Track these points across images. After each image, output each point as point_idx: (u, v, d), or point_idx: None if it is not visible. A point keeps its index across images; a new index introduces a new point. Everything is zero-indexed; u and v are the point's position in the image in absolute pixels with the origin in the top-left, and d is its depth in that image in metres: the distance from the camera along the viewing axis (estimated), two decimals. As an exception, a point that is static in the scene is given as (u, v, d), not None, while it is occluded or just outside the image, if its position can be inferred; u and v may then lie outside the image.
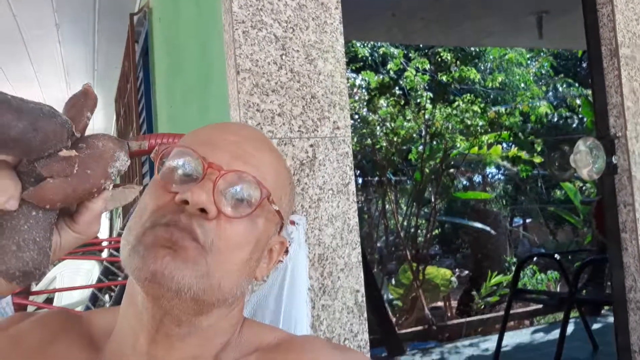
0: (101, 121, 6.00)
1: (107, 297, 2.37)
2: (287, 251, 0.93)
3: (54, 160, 0.52)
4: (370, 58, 7.11)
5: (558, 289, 5.82)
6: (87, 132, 0.58)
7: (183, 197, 0.58)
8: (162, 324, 0.60)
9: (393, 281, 5.64)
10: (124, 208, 3.64)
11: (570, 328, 3.71)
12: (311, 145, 1.26)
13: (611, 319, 3.48)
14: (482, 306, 5.42)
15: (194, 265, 0.57)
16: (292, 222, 0.92)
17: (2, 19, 3.29)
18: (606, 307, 4.49)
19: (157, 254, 0.55)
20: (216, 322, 0.63)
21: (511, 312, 3.99)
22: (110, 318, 0.67)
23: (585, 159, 1.62)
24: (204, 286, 0.57)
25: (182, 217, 0.57)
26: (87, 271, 2.64)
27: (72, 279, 2.51)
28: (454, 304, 5.66)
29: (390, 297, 5.31)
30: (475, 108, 6.13)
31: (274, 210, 0.63)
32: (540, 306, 4.99)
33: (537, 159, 7.10)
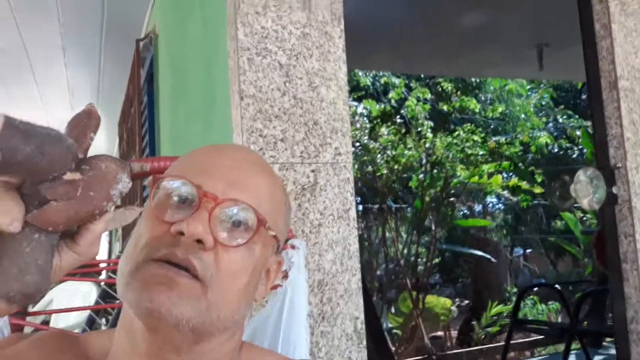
0: (104, 143, 6.03)
1: (103, 320, 2.35)
2: (286, 275, 0.93)
3: (58, 184, 0.52)
4: (372, 87, 7.19)
5: (559, 320, 5.76)
6: (90, 152, 0.58)
7: (179, 228, 0.58)
8: (160, 352, 0.60)
9: (392, 309, 5.58)
10: (123, 230, 3.63)
11: (571, 359, 3.66)
12: (313, 171, 1.27)
13: (613, 351, 3.44)
14: (483, 336, 5.35)
15: (193, 301, 0.57)
16: (293, 247, 0.91)
17: (9, 41, 3.34)
18: (608, 339, 4.43)
19: (152, 291, 0.56)
20: (217, 348, 0.63)
21: (512, 342, 3.94)
22: (107, 340, 0.67)
23: (586, 189, 1.63)
24: (204, 319, 0.58)
25: (177, 252, 0.57)
26: (84, 294, 2.62)
27: (69, 302, 2.49)
28: (454, 333, 5.59)
29: (390, 325, 5.25)
30: (476, 138, 6.17)
31: (270, 235, 0.64)
32: (541, 337, 4.93)
33: (538, 190, 7.11)
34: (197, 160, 0.66)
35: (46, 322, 2.39)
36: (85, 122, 0.57)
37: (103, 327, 2.28)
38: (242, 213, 0.60)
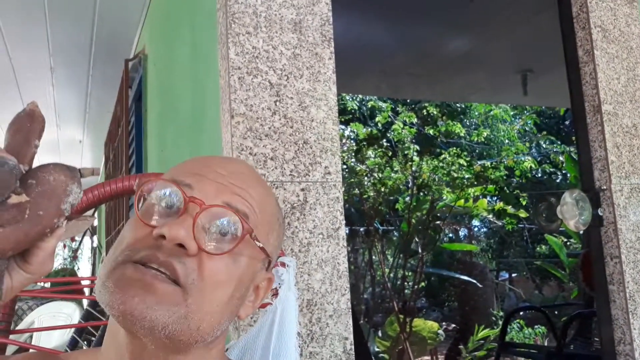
0: (89, 163, 5.99)
1: (85, 344, 2.30)
2: (276, 293, 0.92)
3: (2, 209, 0.48)
4: (358, 111, 7.26)
5: (546, 344, 5.75)
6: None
7: (160, 231, 0.56)
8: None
9: (379, 333, 5.54)
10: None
11: (558, 384, 3.63)
12: (302, 189, 1.27)
13: (599, 376, 3.43)
14: (470, 360, 5.33)
15: (170, 306, 0.55)
16: (283, 264, 0.91)
17: (-3, 60, 3.33)
18: (594, 363, 4.43)
19: (125, 293, 0.54)
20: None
21: (499, 367, 3.92)
22: (91, 357, 0.66)
23: (572, 211, 1.64)
24: (182, 327, 0.55)
25: (159, 254, 0.55)
26: (67, 316, 2.56)
27: (51, 324, 2.43)
28: (441, 357, 5.55)
29: (377, 349, 5.20)
30: (461, 161, 6.24)
31: (258, 247, 0.61)
32: (529, 361, 4.91)
33: (522, 213, 7.18)
34: (189, 167, 0.65)
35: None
36: (28, 127, 0.52)
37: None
38: (228, 220, 0.58)
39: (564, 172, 8.16)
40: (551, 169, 8.38)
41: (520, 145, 7.94)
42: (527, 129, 8.52)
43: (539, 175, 8.40)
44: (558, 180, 8.46)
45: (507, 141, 7.92)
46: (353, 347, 1.25)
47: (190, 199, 0.57)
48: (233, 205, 0.59)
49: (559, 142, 8.55)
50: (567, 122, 8.96)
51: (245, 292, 0.63)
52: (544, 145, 8.61)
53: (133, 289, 0.54)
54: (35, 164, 0.53)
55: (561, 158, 8.08)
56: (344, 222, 1.30)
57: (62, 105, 4.32)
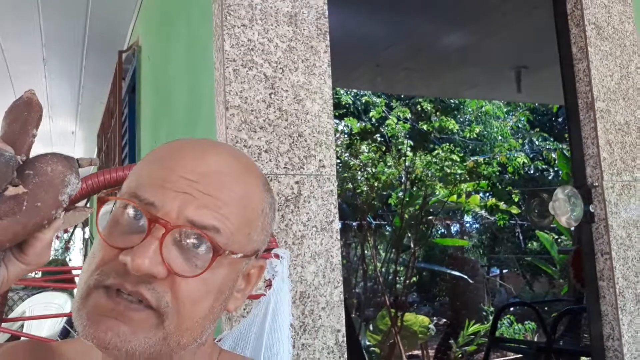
0: (82, 155, 5.96)
1: (77, 334, 2.29)
2: (270, 285, 0.93)
3: (0, 201, 0.48)
4: (352, 105, 7.26)
5: (535, 339, 5.80)
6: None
7: (124, 260, 0.53)
8: None
9: (371, 327, 5.56)
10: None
11: (548, 379, 3.67)
12: (297, 182, 1.27)
13: (588, 371, 3.47)
14: (460, 355, 5.36)
15: (147, 333, 0.54)
16: (277, 256, 0.91)
17: (-11, 51, 3.30)
18: (584, 358, 4.48)
19: (98, 328, 0.52)
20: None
21: (489, 361, 3.96)
22: (81, 348, 0.66)
23: (564, 207, 1.66)
24: (161, 348, 0.54)
25: (127, 283, 0.53)
26: (58, 306, 2.55)
27: (42, 314, 2.43)
28: (432, 352, 5.59)
29: (368, 343, 5.23)
30: (455, 157, 6.26)
31: (236, 258, 0.59)
32: (519, 355, 4.96)
33: (515, 210, 7.22)
34: (155, 169, 0.59)
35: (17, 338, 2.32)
36: (25, 116, 0.51)
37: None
38: (197, 241, 0.55)
39: (556, 169, 8.21)
40: (543, 166, 8.42)
41: (513, 141, 7.97)
42: (520, 125, 8.55)
43: (532, 171, 8.44)
44: (550, 177, 8.50)
45: (500, 138, 7.95)
46: (345, 339, 1.25)
47: (155, 220, 0.54)
48: (199, 222, 0.55)
49: (551, 139, 8.59)
50: (559, 119, 9.00)
51: (230, 293, 0.61)
52: (536, 142, 8.65)
53: (106, 321, 0.53)
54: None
55: (553, 155, 8.12)
56: (337, 215, 1.30)
57: (55, 97, 4.29)
